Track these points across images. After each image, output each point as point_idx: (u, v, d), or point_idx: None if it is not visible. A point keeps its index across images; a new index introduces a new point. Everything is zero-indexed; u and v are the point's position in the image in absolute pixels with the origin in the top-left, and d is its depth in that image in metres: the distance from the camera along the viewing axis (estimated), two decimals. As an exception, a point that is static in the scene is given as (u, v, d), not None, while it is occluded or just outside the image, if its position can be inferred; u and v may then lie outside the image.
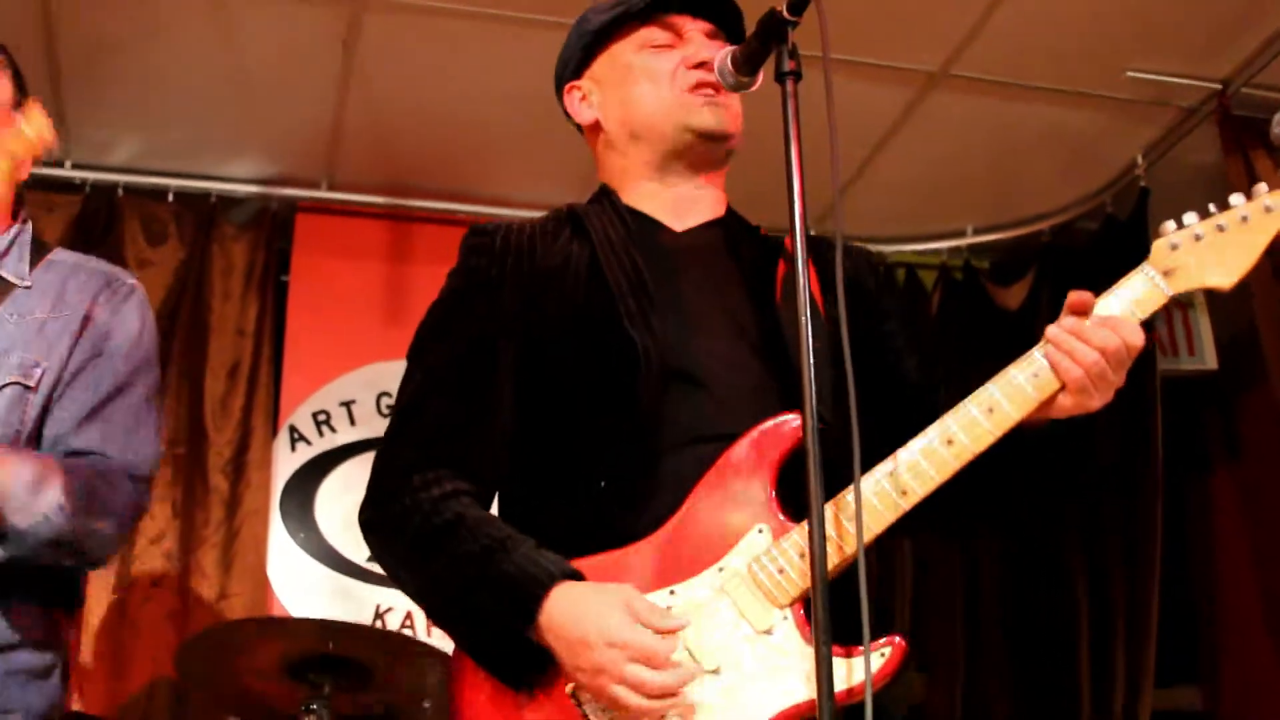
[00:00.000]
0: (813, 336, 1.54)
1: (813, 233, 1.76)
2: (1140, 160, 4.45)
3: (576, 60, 2.05)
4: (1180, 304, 4.62)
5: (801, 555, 1.63)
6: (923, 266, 5.08)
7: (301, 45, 3.90)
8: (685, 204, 1.96)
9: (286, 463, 4.43)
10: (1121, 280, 1.72)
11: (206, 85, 4.10)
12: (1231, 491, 4.91)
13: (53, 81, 4.03)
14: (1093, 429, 1.74)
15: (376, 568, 4.39)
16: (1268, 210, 1.71)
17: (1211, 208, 1.74)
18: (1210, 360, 4.66)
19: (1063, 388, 1.68)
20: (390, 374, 4.65)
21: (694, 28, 1.97)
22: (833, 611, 1.46)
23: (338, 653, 3.13)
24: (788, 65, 1.66)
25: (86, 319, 2.26)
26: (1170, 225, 1.74)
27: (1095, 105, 4.18)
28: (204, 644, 3.32)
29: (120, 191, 4.50)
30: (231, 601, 4.17)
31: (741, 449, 1.72)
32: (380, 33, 3.83)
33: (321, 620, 3.44)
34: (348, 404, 4.55)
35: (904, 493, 1.65)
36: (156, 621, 4.09)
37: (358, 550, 4.43)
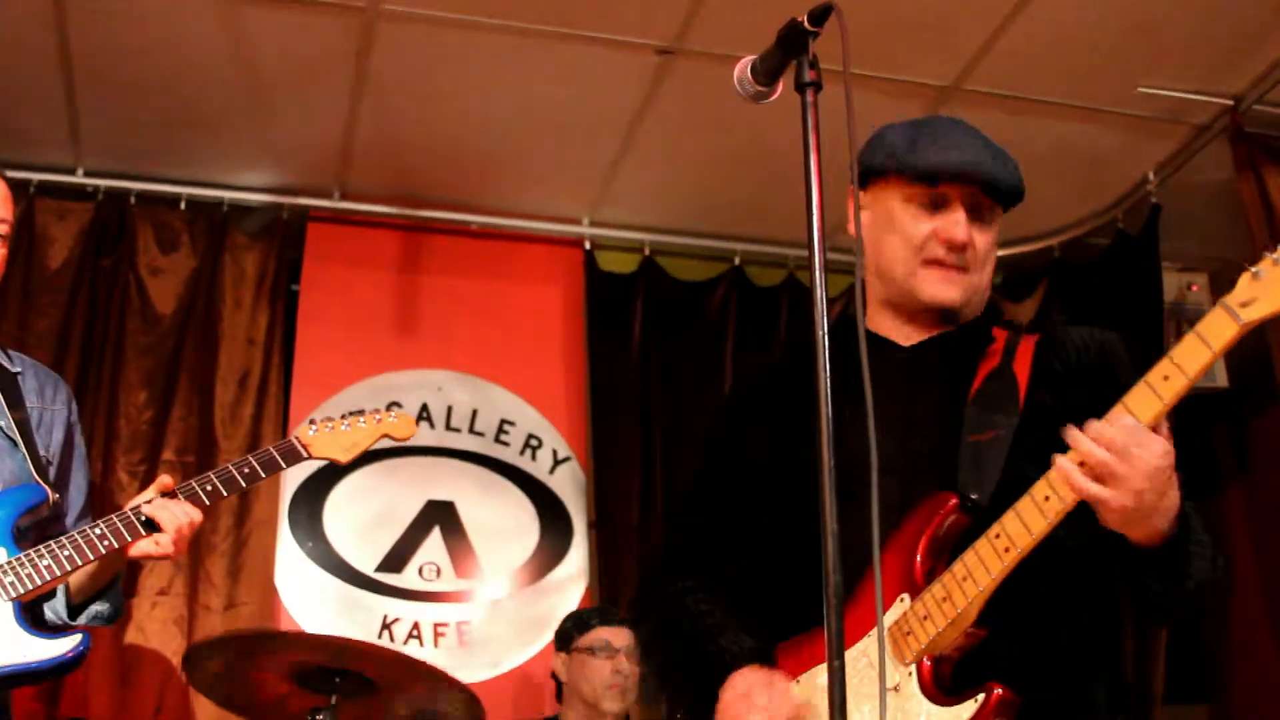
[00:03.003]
0: (1008, 417, 1.88)
1: (829, 253, 1.73)
2: (1152, 176, 4.45)
3: (862, 173, 2.12)
4: (1191, 321, 4.61)
5: (924, 618, 1.80)
6: (933, 281, 5.08)
7: (314, 55, 3.91)
8: (917, 322, 2.11)
9: (295, 472, 4.41)
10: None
11: (219, 94, 4.12)
12: (1241, 509, 4.90)
13: (66, 89, 4.05)
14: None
15: (384, 578, 4.42)
16: None
17: None
18: (1221, 378, 4.64)
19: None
20: (399, 384, 4.65)
21: (960, 193, 2.04)
22: (963, 663, 1.76)
23: (346, 667, 3.13)
24: (808, 76, 1.66)
25: None
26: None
27: (1107, 121, 4.18)
28: (213, 650, 3.32)
29: (132, 199, 4.52)
30: (239, 610, 4.17)
31: (903, 530, 1.90)
32: (392, 43, 3.84)
33: (331, 637, 3.41)
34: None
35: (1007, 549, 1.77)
36: (164, 629, 4.09)
37: (366, 560, 4.42)
